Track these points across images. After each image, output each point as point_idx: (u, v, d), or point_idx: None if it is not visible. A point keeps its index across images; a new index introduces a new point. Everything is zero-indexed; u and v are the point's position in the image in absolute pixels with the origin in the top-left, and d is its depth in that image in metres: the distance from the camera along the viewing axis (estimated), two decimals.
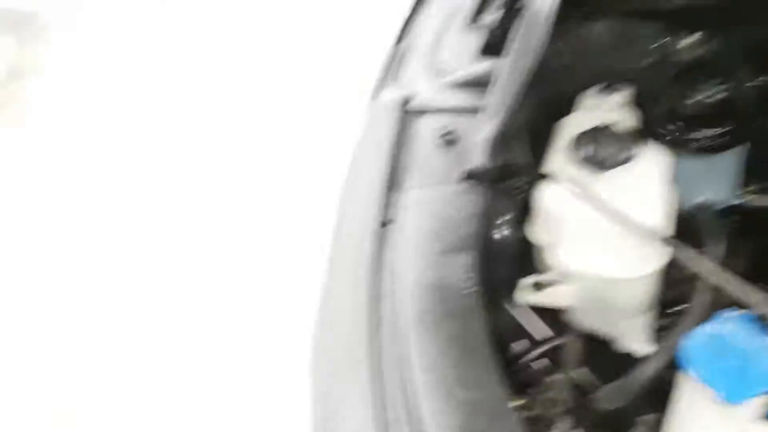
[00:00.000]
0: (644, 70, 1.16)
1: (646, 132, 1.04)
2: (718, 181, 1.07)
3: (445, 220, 0.84)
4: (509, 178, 0.95)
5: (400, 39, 1.16)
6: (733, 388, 0.68)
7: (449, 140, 0.95)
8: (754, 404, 0.70)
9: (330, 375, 0.71)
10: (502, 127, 0.93)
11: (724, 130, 1.04)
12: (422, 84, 1.05)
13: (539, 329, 1.00)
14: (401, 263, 0.78)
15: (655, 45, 1.16)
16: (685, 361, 0.72)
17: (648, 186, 0.94)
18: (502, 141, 0.94)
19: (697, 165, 1.06)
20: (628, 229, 0.89)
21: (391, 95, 1.03)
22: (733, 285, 0.74)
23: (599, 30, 1.16)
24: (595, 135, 0.98)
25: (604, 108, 1.09)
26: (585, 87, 1.13)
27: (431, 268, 0.78)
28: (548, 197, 0.94)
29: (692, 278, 0.93)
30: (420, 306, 0.74)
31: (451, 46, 1.12)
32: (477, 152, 0.90)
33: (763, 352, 0.69)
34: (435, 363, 0.69)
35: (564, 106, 1.10)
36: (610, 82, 1.13)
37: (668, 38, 1.15)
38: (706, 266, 0.78)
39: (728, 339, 0.71)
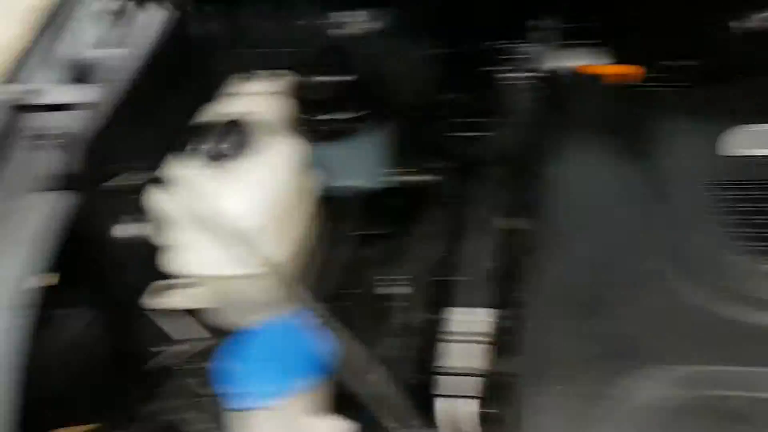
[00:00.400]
0: (297, 52, 1.13)
1: (293, 119, 1.03)
2: (360, 164, 1.08)
3: (25, 235, 0.77)
4: (113, 178, 0.90)
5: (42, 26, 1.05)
6: (267, 387, 0.69)
7: (47, 140, 0.87)
8: (296, 401, 0.71)
9: None
10: (103, 125, 0.87)
11: (358, 114, 1.05)
12: (39, 77, 0.96)
13: (179, 330, 0.97)
14: None
15: (313, 23, 1.13)
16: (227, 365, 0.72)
17: (267, 178, 0.92)
18: (107, 138, 0.88)
19: (339, 150, 1.07)
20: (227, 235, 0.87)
21: (4, 89, 0.94)
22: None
23: (252, 8, 1.10)
24: (219, 128, 0.94)
25: (250, 96, 1.06)
26: (240, 72, 1.09)
27: None
28: (160, 198, 0.90)
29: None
30: None
31: (76, 36, 1.03)
32: (69, 154, 0.84)
33: (298, 351, 0.70)
34: None
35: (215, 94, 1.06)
36: (266, 66, 1.10)
37: (327, 16, 1.12)
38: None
39: (270, 341, 0.72)
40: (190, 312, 0.96)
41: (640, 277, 0.67)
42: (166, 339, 0.96)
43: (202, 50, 1.07)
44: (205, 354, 0.93)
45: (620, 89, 0.91)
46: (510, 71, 1.06)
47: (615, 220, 0.74)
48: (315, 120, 1.04)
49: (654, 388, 0.59)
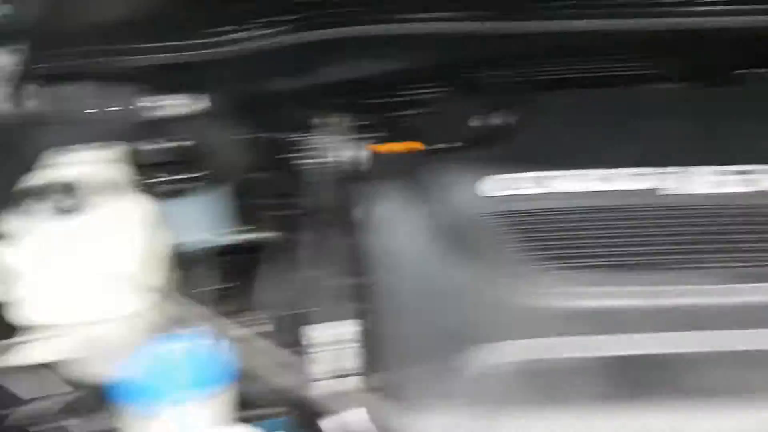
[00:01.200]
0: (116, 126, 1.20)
1: (131, 181, 1.10)
2: (198, 221, 1.17)
3: None
4: None
5: None
6: (151, 398, 0.74)
7: None
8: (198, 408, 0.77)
9: None
10: None
11: (189, 176, 1.16)
12: None
13: (35, 388, 0.96)
14: None
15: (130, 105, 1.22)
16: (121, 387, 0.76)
17: (120, 230, 0.99)
18: None
19: (180, 208, 1.15)
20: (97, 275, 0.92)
21: None
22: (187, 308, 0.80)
23: (76, 91, 1.19)
24: (57, 187, 1.00)
25: (74, 164, 1.11)
26: (68, 144, 1.14)
27: None
28: (4, 254, 0.93)
29: None
30: None
31: None
32: None
33: (197, 361, 0.76)
34: None
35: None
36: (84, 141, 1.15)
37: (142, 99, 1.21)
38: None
39: (162, 355, 0.77)
40: (46, 367, 0.96)
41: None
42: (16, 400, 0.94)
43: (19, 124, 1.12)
44: (69, 409, 0.94)
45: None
46: (304, 158, 1.22)
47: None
48: (152, 180, 1.12)
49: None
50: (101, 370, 0.99)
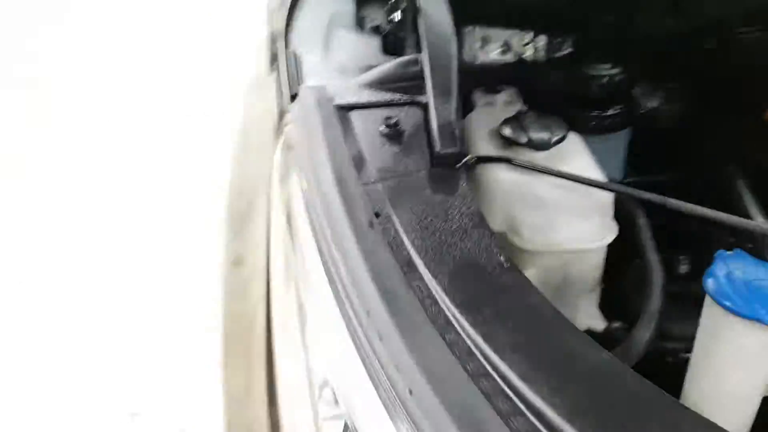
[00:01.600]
0: (517, 66, 1.20)
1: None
2: (612, 160, 1.14)
3: (437, 204, 0.76)
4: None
5: (286, 45, 1.08)
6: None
7: (396, 131, 0.88)
8: None
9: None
10: (452, 116, 0.89)
11: (616, 111, 1.13)
12: (335, 83, 0.97)
13: None
14: (414, 251, 0.69)
15: (524, 44, 1.21)
16: (722, 297, 0.73)
17: (583, 161, 0.97)
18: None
19: (595, 145, 1.13)
20: (590, 199, 0.90)
21: (313, 95, 0.93)
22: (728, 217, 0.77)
23: (471, 34, 1.18)
24: (522, 122, 0.98)
25: (499, 104, 1.12)
26: (471, 87, 1.14)
27: (453, 249, 0.70)
28: (505, 180, 0.92)
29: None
30: (464, 290, 0.66)
31: (345, 48, 1.06)
32: (439, 138, 0.85)
33: None
34: (511, 341, 0.60)
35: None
36: (490, 82, 1.16)
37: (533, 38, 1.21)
38: (691, 207, 0.80)
39: (748, 273, 0.74)
40: None
41: None
42: None
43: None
44: None
45: None
46: None
47: None
48: (580, 115, 1.10)
49: None
50: (560, 306, 0.98)
